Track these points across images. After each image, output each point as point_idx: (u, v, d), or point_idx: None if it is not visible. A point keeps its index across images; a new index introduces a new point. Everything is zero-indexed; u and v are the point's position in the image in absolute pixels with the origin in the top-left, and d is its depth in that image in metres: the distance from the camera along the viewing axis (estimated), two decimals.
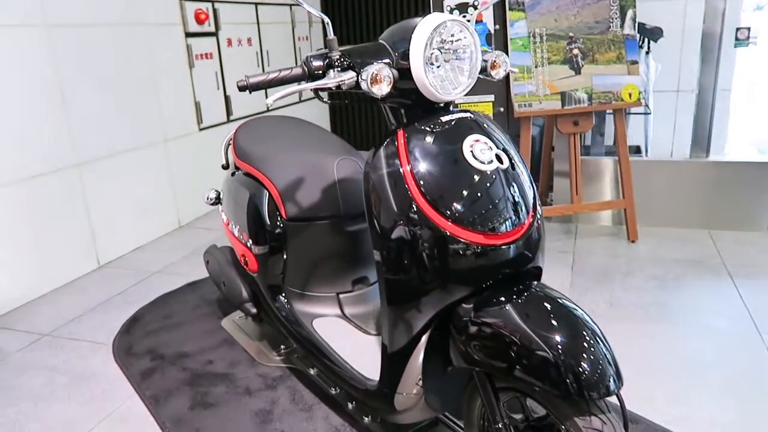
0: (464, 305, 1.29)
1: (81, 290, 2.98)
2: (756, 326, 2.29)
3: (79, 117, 3.12)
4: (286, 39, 5.28)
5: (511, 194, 1.30)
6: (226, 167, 2.18)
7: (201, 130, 4.17)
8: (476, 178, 1.26)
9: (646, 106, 4.05)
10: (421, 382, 1.41)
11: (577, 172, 3.15)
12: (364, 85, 1.25)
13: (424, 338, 1.34)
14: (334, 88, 1.32)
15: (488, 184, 1.27)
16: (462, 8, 2.96)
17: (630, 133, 4.59)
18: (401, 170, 1.27)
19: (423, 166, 1.27)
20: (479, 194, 1.26)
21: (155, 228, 3.71)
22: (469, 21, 1.33)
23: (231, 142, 2.15)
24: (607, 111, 3.51)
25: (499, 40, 2.98)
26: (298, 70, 1.35)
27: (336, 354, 1.71)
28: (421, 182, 1.25)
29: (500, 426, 1.29)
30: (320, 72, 1.33)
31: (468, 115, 1.37)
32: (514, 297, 1.26)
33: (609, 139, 4.65)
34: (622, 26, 3.02)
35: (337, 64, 1.32)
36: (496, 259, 1.27)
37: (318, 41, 5.87)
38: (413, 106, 1.37)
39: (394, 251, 1.30)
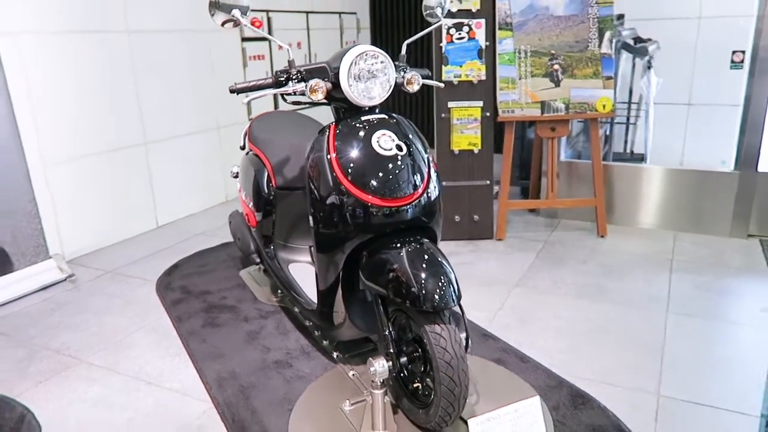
0: (369, 248, 1.86)
1: (140, 243, 3.76)
2: (668, 308, 2.71)
3: (148, 105, 3.90)
4: (334, 43, 5.95)
5: (406, 173, 1.85)
6: (243, 148, 2.84)
7: (250, 119, 4.90)
8: (378, 160, 1.83)
9: (641, 115, 4.42)
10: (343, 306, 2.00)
11: (553, 172, 3.61)
12: (306, 93, 1.86)
13: (341, 273, 1.92)
14: (292, 94, 1.93)
15: (387, 165, 1.83)
16: (458, 27, 3.48)
17: (635, 140, 4.95)
18: (328, 156, 1.86)
19: (343, 151, 1.85)
20: (380, 172, 1.83)
21: (205, 200, 4.47)
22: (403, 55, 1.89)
23: (248, 129, 2.81)
24: (608, 120, 3.92)
25: (489, 54, 3.48)
26: (269, 80, 1.96)
27: (300, 287, 2.33)
28: (341, 162, 1.84)
29: (386, 333, 1.86)
30: (283, 82, 1.94)
31: (384, 116, 1.93)
32: (405, 246, 1.82)
33: (617, 147, 5.03)
34: (599, 46, 3.45)
35: (294, 77, 1.93)
36: (391, 215, 1.83)
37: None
38: (348, 109, 1.95)
39: (326, 212, 1.87)
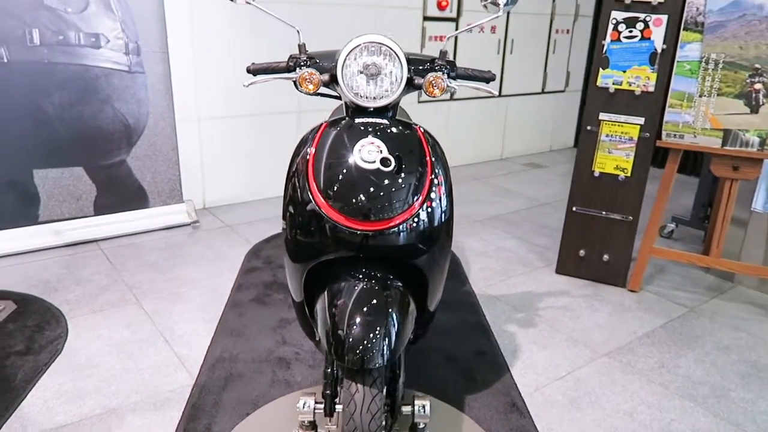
0: (332, 271, 1.61)
1: (271, 205, 3.95)
2: None
3: None
4: (540, 30, 5.39)
5: (383, 194, 1.53)
6: None
7: (419, 102, 4.75)
8: (352, 172, 1.54)
9: None
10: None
11: (724, 223, 2.73)
12: (294, 83, 1.64)
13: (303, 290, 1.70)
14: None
15: (362, 180, 1.53)
16: (630, 22, 2.79)
17: None
18: (307, 156, 1.63)
19: (321, 153, 1.60)
20: (351, 185, 1.53)
21: None
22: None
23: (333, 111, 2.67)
24: None
25: (665, 61, 2.73)
26: (282, 64, 1.79)
27: None
28: (315, 165, 1.59)
29: (327, 371, 1.61)
30: (292, 68, 1.75)
31: (383, 122, 1.62)
32: (364, 282, 1.53)
33: None
34: None
35: (301, 63, 1.72)
36: (354, 239, 1.53)
37: (581, 36, 5.77)
38: (355, 108, 1.68)
39: (293, 214, 1.61)
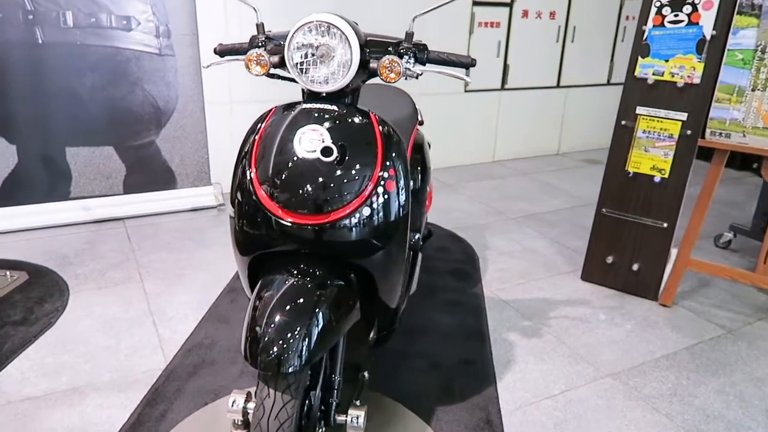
0: (269, 265, 1.51)
1: None
2: None
3: None
4: (607, 16, 4.99)
5: (322, 186, 1.42)
6: None
7: (466, 91, 4.54)
8: (289, 161, 1.44)
9: None
10: None
11: None
12: (244, 65, 1.56)
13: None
14: None
15: (299, 169, 1.42)
16: (676, 5, 2.47)
17: None
18: (256, 135, 1.54)
19: (264, 138, 1.51)
20: (287, 175, 1.43)
21: None
22: None
23: None
24: None
25: (714, 49, 2.40)
26: (245, 45, 1.71)
27: None
28: (258, 151, 1.50)
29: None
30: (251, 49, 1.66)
31: (332, 108, 1.50)
32: (297, 278, 1.43)
33: None
34: None
35: (259, 44, 1.63)
36: (292, 232, 1.43)
37: None
38: (309, 93, 1.58)
39: (237, 202, 1.53)
